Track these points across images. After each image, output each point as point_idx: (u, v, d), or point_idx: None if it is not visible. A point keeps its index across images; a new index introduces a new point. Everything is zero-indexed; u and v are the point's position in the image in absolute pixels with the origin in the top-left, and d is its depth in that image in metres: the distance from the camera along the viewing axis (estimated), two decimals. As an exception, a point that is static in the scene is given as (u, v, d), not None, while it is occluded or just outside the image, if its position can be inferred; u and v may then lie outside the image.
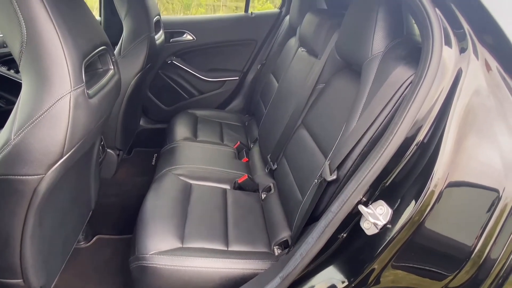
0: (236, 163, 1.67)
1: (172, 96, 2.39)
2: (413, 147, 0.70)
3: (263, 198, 1.43)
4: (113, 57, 1.08)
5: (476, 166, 0.68)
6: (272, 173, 1.50)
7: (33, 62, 0.77)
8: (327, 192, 0.92)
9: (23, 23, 0.74)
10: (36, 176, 0.80)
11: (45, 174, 0.80)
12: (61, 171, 0.86)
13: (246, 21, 2.36)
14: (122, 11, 1.63)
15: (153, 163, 2.13)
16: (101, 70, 1.05)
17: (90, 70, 1.00)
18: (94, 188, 1.35)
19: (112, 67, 1.07)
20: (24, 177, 0.79)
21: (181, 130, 1.90)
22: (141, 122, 2.36)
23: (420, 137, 0.70)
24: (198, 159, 1.61)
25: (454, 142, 0.67)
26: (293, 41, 1.86)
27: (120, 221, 1.70)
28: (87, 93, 0.86)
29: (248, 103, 2.43)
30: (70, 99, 0.79)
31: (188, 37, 2.28)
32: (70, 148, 0.84)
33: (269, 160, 1.51)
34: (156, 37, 1.73)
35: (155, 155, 2.15)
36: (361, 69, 1.00)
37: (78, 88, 0.81)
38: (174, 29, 2.24)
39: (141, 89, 1.86)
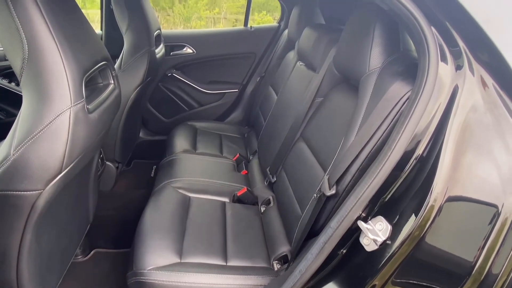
0: (235, 176, 1.67)
1: (172, 108, 2.40)
2: (411, 162, 0.70)
3: (262, 211, 1.43)
4: (113, 72, 1.09)
5: (475, 181, 0.68)
6: (271, 186, 1.50)
7: (34, 78, 0.77)
8: (327, 206, 0.92)
9: (25, 40, 0.75)
10: (34, 192, 0.80)
11: (44, 189, 0.80)
12: (60, 186, 0.86)
13: (246, 35, 2.39)
14: (123, 26, 1.65)
15: (152, 175, 2.13)
16: (102, 84, 1.06)
17: (91, 85, 1.01)
18: (92, 201, 1.35)
19: (112, 82, 1.08)
20: (22, 192, 0.79)
21: (180, 142, 1.91)
22: (141, 134, 2.37)
23: (418, 151, 0.70)
24: (197, 172, 1.61)
25: (452, 158, 0.67)
26: (291, 55, 1.88)
27: (118, 234, 1.68)
28: (87, 108, 0.86)
29: (247, 115, 2.44)
30: (70, 115, 0.79)
31: (188, 50, 2.30)
32: (69, 163, 0.84)
33: (268, 172, 1.51)
34: (156, 51, 1.75)
35: (154, 167, 2.15)
36: (358, 84, 1.01)
37: (78, 103, 0.81)
38: (174, 43, 2.27)
39: (141, 102, 1.87)
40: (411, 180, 0.71)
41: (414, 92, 0.72)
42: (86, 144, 0.88)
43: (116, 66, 1.66)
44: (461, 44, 0.69)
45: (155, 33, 1.74)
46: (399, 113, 0.80)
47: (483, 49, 0.68)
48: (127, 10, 1.60)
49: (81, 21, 0.94)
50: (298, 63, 1.67)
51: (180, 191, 1.43)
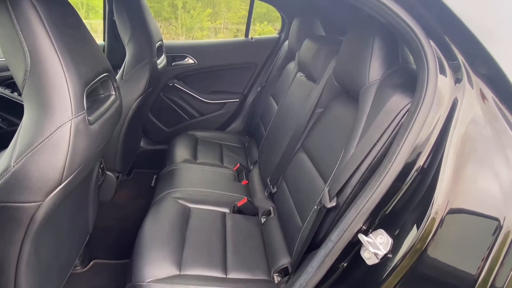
0: (235, 186, 1.67)
1: (173, 117, 2.41)
2: (412, 174, 0.70)
3: (262, 222, 1.42)
4: (115, 83, 1.10)
5: (476, 194, 0.67)
6: (272, 197, 1.49)
7: (36, 90, 0.78)
8: (327, 219, 0.91)
9: (28, 53, 0.76)
10: (34, 203, 0.79)
11: (43, 201, 0.80)
12: (59, 197, 0.85)
13: (246, 46, 2.41)
14: (125, 37, 1.67)
15: (152, 185, 2.12)
16: (103, 96, 1.07)
17: (92, 96, 1.02)
18: (92, 212, 1.34)
19: (113, 93, 1.09)
20: (22, 204, 0.79)
21: (181, 151, 1.91)
22: (142, 143, 2.37)
23: (419, 163, 0.70)
24: (197, 182, 1.61)
25: (453, 170, 0.67)
26: (292, 65, 1.89)
27: (117, 245, 1.67)
28: (88, 119, 0.87)
29: (248, 124, 2.45)
30: (70, 127, 0.80)
31: (189, 60, 2.33)
32: (69, 175, 0.84)
33: (269, 183, 1.50)
34: (158, 61, 1.76)
35: (155, 176, 2.15)
36: (358, 95, 1.01)
37: (79, 115, 0.82)
38: (176, 53, 2.29)
39: (142, 112, 1.88)
40: (412, 193, 0.71)
41: (414, 104, 0.73)
42: (86, 155, 0.88)
43: (118, 76, 1.67)
44: (460, 57, 0.70)
45: (157, 44, 1.76)
46: (399, 125, 0.80)
47: (482, 63, 0.69)
48: (129, 21, 1.62)
49: (83, 34, 0.95)
50: (298, 74, 1.68)
51: (180, 201, 1.42)
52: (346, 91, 1.21)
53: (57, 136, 0.78)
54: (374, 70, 0.94)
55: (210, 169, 1.78)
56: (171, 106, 2.39)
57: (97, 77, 0.95)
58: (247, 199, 1.49)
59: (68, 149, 0.80)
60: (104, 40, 2.25)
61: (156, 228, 1.23)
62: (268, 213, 1.44)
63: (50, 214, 0.86)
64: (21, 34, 0.76)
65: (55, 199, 0.83)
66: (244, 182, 1.73)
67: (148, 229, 1.22)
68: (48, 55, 0.77)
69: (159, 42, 1.83)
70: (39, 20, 0.76)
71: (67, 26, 0.86)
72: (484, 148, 0.67)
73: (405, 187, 0.70)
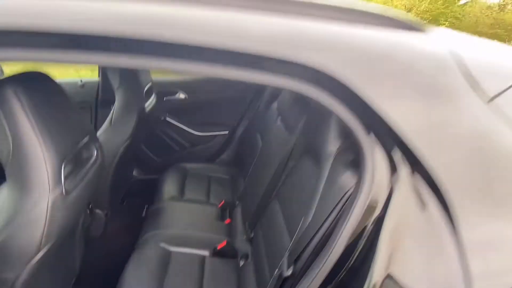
0: (217, 226, 1.73)
1: (165, 148, 2.51)
2: (350, 259, 0.76)
3: (240, 265, 1.48)
4: (96, 144, 1.18)
5: (409, 284, 0.73)
6: (250, 240, 1.55)
7: (16, 171, 0.86)
8: (285, 285, 0.97)
9: (10, 138, 0.85)
10: (11, 274, 0.87)
11: (21, 271, 0.88)
12: (38, 263, 0.93)
13: (236, 81, 2.49)
14: (114, 83, 1.76)
15: (143, 215, 2.19)
16: (84, 157, 1.15)
17: (72, 160, 1.09)
18: (79, 254, 1.41)
19: (94, 154, 1.16)
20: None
21: (169, 187, 1.99)
22: (134, 173, 2.46)
23: (357, 249, 0.76)
24: (181, 223, 1.68)
25: (386, 259, 0.73)
26: (275, 105, 1.97)
27: (104, 283, 1.73)
28: (66, 190, 0.94)
29: (237, 157, 2.53)
30: (48, 203, 0.88)
31: (180, 95, 2.42)
32: (46, 243, 0.92)
33: (247, 226, 1.57)
34: (146, 104, 1.85)
35: (146, 206, 2.22)
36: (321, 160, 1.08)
37: (56, 190, 0.90)
38: (167, 90, 2.39)
39: (133, 152, 1.96)
40: (351, 276, 0.77)
41: (355, 190, 0.79)
42: (64, 224, 0.96)
43: (107, 120, 1.76)
44: (398, 151, 0.76)
45: (146, 87, 1.85)
46: (345, 206, 0.86)
47: (419, 161, 0.75)
48: (118, 70, 1.71)
49: (65, 109, 1.03)
50: (278, 118, 1.75)
51: (162, 245, 1.49)
52: (314, 150, 1.27)
53: (34, 213, 0.86)
54: (331, 142, 1.01)
55: (195, 208, 1.85)
56: (162, 138, 2.49)
57: (77, 146, 1.03)
58: (227, 242, 1.56)
59: (45, 223, 0.88)
60: (98, 76, 2.36)
61: (137, 275, 1.31)
62: (246, 257, 1.50)
63: (30, 278, 0.94)
64: (4, 121, 0.84)
65: (34, 266, 0.91)
66: (227, 221, 1.80)
67: (129, 277, 1.30)
68: (29, 139, 0.86)
69: (149, 84, 1.92)
70: (21, 108, 0.85)
71: (50, 106, 0.94)
72: (417, 239, 0.73)
73: (344, 272, 0.76)
